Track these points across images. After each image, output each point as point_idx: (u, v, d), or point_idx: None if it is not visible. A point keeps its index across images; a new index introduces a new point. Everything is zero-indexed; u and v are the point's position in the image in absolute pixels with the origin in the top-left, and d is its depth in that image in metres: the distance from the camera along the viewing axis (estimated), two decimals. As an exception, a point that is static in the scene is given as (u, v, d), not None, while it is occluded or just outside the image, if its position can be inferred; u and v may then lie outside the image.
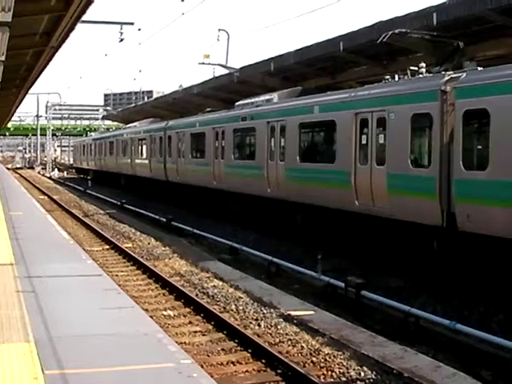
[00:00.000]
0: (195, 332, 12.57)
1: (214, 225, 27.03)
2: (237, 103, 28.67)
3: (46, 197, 44.66)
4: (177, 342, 10.10)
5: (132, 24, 33.51)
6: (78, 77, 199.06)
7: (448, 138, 15.15)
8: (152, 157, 40.09)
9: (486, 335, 11.73)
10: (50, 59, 18.78)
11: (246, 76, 31.72)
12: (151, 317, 12.14)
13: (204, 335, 12.36)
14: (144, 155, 42.27)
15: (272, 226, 24.21)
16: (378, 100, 17.65)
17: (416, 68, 17.47)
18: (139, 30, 50.44)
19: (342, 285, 15.37)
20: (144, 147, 42.36)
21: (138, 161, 43.88)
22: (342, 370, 10.19)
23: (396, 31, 18.43)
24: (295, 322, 13.03)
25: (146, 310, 13.22)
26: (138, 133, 44.76)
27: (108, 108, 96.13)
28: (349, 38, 22.68)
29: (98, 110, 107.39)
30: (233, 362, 10.72)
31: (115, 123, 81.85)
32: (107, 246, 23.06)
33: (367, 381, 9.81)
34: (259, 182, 24.17)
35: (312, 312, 14.16)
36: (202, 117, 32.82)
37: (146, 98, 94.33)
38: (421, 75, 17.09)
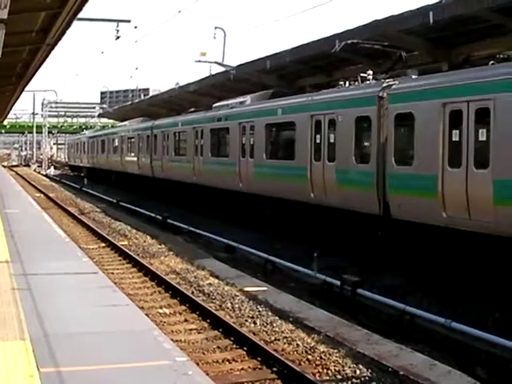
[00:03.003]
0: (191, 330, 12.56)
1: (209, 223, 27.02)
2: (214, 105, 31.17)
3: (41, 194, 44.58)
4: (172, 340, 10.09)
5: (128, 21, 33.48)
6: (75, 74, 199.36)
7: (383, 137, 17.24)
8: (140, 154, 42.22)
9: (482, 333, 11.76)
10: (47, 56, 18.76)
11: (242, 74, 31.75)
12: (147, 314, 12.12)
13: (200, 333, 12.35)
14: (133, 153, 44.35)
15: (244, 219, 26.25)
16: (330, 104, 19.84)
17: (365, 75, 19.69)
18: (136, 27, 50.14)
19: (338, 283, 15.40)
20: (133, 145, 44.51)
21: (127, 158, 45.92)
22: (337, 368, 10.19)
23: (348, 42, 20.55)
24: (291, 319, 13.04)
25: (142, 308, 13.19)
26: (127, 131, 46.94)
27: (104, 106, 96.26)
28: (345, 37, 22.67)
29: (94, 108, 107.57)
30: (228, 360, 10.71)
31: (111, 121, 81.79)
32: (103, 244, 23.03)
33: (363, 379, 9.81)
34: (232, 177, 26.26)
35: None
36: (184, 117, 35.60)
37: (142, 95, 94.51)
38: (367, 82, 19.38)
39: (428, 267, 15.88)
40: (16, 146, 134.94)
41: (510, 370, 10.95)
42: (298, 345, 11.34)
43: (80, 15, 13.54)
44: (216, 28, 42.55)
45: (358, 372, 10.02)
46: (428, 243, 15.97)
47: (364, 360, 10.59)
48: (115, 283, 14.47)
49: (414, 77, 17.41)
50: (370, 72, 19.73)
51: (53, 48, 16.93)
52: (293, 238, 21.90)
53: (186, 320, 13.27)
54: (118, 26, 32.46)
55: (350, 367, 10.20)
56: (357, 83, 19.87)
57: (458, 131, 14.78)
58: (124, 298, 11.49)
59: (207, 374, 8.86)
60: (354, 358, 10.60)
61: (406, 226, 16.45)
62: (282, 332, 12.13)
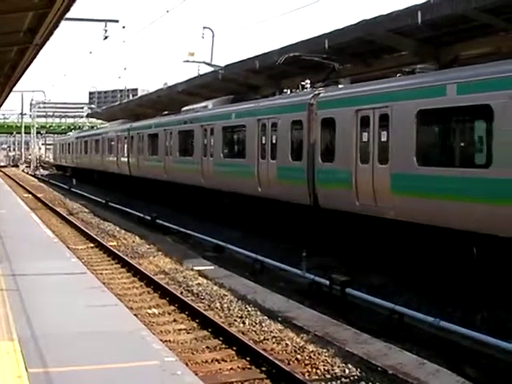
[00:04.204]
0: (180, 330, 12.55)
1: (198, 223, 27.01)
2: (183, 108, 33.95)
3: (30, 195, 44.45)
4: (161, 340, 10.10)
5: (116, 21, 33.52)
6: (63, 74, 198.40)
7: (313, 138, 19.95)
8: (119, 154, 45.22)
9: (470, 332, 11.78)
10: (35, 57, 18.67)
11: (230, 74, 31.72)
12: (135, 315, 12.12)
13: (189, 333, 12.34)
14: (112, 153, 47.21)
15: (208, 213, 28.85)
16: (272, 109, 22.78)
17: (304, 83, 22.58)
18: (124, 27, 50.42)
19: (327, 282, 15.41)
20: (112, 146, 47.36)
21: (107, 158, 48.83)
22: (326, 368, 10.20)
23: (291, 55, 23.49)
24: (280, 319, 13.05)
25: (131, 308, 13.17)
26: (107, 133, 50.13)
27: (93, 106, 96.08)
28: (334, 37, 22.72)
29: (82, 108, 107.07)
30: (217, 360, 10.70)
31: (100, 121, 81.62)
32: (92, 244, 22.97)
33: (352, 378, 9.83)
34: (196, 174, 29.20)
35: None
36: (156, 120, 38.50)
37: (130, 95, 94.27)
38: (305, 90, 22.23)
39: (415, 266, 15.94)
40: (4, 146, 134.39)
41: (498, 369, 10.99)
42: (287, 344, 11.34)
43: (68, 15, 13.47)
44: (204, 28, 42.72)
45: (347, 371, 10.03)
46: (349, 229, 18.64)
47: (353, 359, 10.61)
48: (104, 283, 14.45)
49: (340, 86, 20.67)
50: (308, 81, 22.64)
51: (41, 48, 16.85)
52: (281, 237, 21.94)
53: (174, 320, 13.25)
54: (106, 26, 32.50)
55: (339, 366, 10.20)
56: (298, 91, 22.79)
57: (367, 133, 17.54)
58: (113, 299, 11.49)
59: (196, 374, 8.87)
60: (343, 358, 10.62)
61: (331, 214, 19.19)
62: (271, 332, 12.13)
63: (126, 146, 43.03)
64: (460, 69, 16.26)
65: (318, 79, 23.55)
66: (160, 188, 35.79)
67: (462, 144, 15.59)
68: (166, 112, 37.91)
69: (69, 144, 68.50)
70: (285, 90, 23.97)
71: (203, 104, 31.08)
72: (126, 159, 42.83)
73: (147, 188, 38.73)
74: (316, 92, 20.46)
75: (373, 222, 17.36)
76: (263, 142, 23.03)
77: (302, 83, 22.65)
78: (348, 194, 17.95)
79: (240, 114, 25.42)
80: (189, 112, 32.28)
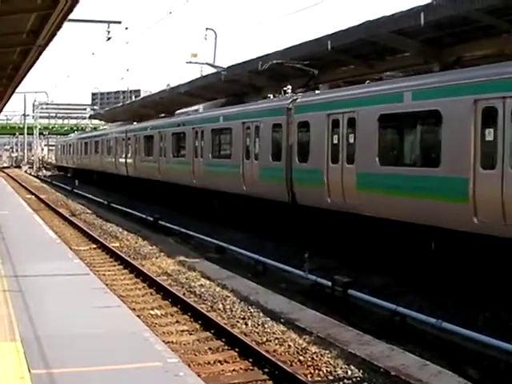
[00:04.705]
0: (182, 331, 12.55)
1: (200, 224, 27.00)
2: (176, 112, 36.06)
3: (33, 196, 44.48)
4: (164, 341, 10.10)
5: (119, 23, 33.35)
6: (66, 76, 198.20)
7: (291, 140, 21.48)
8: (117, 155, 46.61)
9: (473, 333, 11.77)
10: (37, 58, 18.66)
11: (233, 75, 31.71)
12: (138, 316, 12.12)
13: (191, 334, 12.34)
14: (111, 154, 48.72)
15: (197, 211, 30.39)
16: (255, 113, 24.50)
17: (285, 89, 24.28)
18: (126, 28, 50.07)
19: (329, 283, 15.40)
20: (111, 147, 48.95)
21: (106, 159, 50.37)
22: (329, 369, 10.19)
23: (274, 61, 25.17)
24: (282, 320, 13.04)
25: (133, 310, 13.19)
26: (106, 135, 51.96)
27: (95, 107, 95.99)
28: (337, 38, 22.71)
29: (85, 109, 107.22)
30: (220, 361, 10.71)
31: (102, 122, 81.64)
32: (94, 246, 22.99)
33: (354, 379, 9.81)
34: (188, 174, 30.62)
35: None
36: (152, 122, 40.34)
37: (133, 97, 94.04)
38: (286, 95, 23.78)
39: (417, 267, 15.94)
40: (7, 147, 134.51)
41: (500, 370, 10.98)
42: (289, 346, 11.34)
43: (71, 16, 13.47)
44: (207, 29, 42.57)
45: (349, 372, 10.02)
46: (323, 224, 20.12)
47: (355, 360, 10.60)
48: (107, 285, 14.47)
49: (317, 92, 21.93)
50: (289, 87, 24.38)
51: (44, 49, 16.84)
52: (283, 238, 21.95)
53: (177, 321, 13.26)
54: (108, 27, 32.38)
55: (341, 368, 10.20)
56: (281, 96, 24.22)
57: (337, 136, 18.94)
58: (115, 300, 11.50)
59: (199, 376, 8.88)
60: (346, 359, 10.61)
61: (307, 210, 20.73)
62: (274, 333, 12.13)
63: (123, 147, 44.67)
64: (415, 77, 17.36)
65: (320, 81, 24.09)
66: (155, 188, 37.30)
67: (417, 146, 16.76)
68: (162, 115, 39.63)
69: (70, 145, 70.32)
70: (269, 95, 25.56)
71: (195, 107, 32.85)
72: (123, 160, 44.37)
73: (143, 188, 40.16)
74: (294, 97, 22.10)
75: (343, 218, 18.81)
76: (247, 143, 24.71)
77: (284, 88, 24.33)
78: (321, 192, 19.41)
79: (227, 117, 27.11)
80: (182, 115, 34.15)
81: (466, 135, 14.18)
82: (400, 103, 16.36)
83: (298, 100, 21.66)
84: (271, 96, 25.15)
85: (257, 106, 25.01)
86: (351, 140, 18.27)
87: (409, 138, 17.30)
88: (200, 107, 31.96)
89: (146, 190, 39.58)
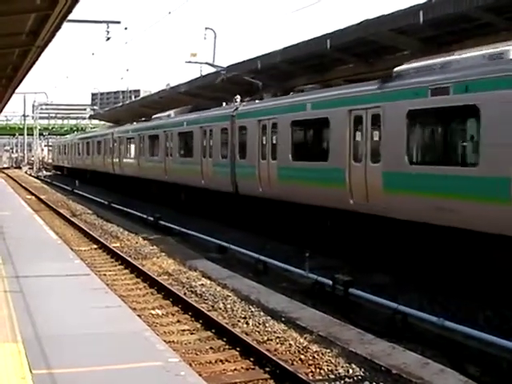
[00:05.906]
0: (183, 331, 12.55)
1: (201, 223, 27.01)
2: (153, 116, 40.79)
3: (33, 196, 44.48)
4: (165, 341, 10.10)
5: (119, 23, 33.49)
6: (65, 76, 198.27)
7: (235, 141, 26.18)
8: (105, 155, 51.17)
9: (474, 331, 11.76)
10: (37, 58, 18.64)
11: (233, 74, 31.71)
12: (139, 316, 12.12)
13: (192, 334, 12.34)
14: (100, 154, 53.29)
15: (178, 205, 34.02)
16: (209, 119, 29.41)
17: (235, 98, 28.74)
18: (126, 28, 50.62)
19: (330, 282, 15.39)
20: (100, 148, 53.33)
21: (96, 159, 55.05)
22: (330, 368, 10.19)
23: (229, 75, 30.68)
24: (283, 319, 13.04)
25: (134, 309, 13.19)
26: (96, 136, 56.71)
27: (95, 107, 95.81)
28: (336, 36, 22.73)
29: (85, 110, 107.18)
30: (221, 361, 10.70)
31: (102, 122, 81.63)
32: (95, 246, 22.98)
33: (356, 378, 9.81)
34: (161, 171, 35.64)
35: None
36: (132, 126, 45.50)
37: (133, 97, 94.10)
38: (235, 103, 28.20)
39: (418, 265, 15.94)
40: (7, 148, 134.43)
41: (502, 368, 10.98)
42: (290, 345, 11.34)
43: (70, 17, 13.46)
44: (206, 29, 42.62)
45: (350, 371, 10.02)
46: (260, 210, 24.56)
47: (357, 359, 10.60)
48: (107, 285, 14.46)
49: (257, 101, 26.34)
50: (238, 96, 28.72)
51: (43, 50, 16.82)
52: (284, 237, 21.97)
53: (178, 321, 13.26)
54: (108, 27, 32.48)
55: (342, 367, 10.20)
56: (232, 104, 28.63)
57: (265, 137, 23.54)
58: (116, 300, 11.49)
59: (200, 375, 8.88)
60: (347, 358, 10.61)
61: (246, 198, 25.42)
62: (275, 332, 12.13)
63: (110, 147, 49.28)
64: (314, 92, 21.47)
65: (318, 79, 26.06)
66: (135, 183, 42.66)
67: (314, 145, 21.53)
68: (143, 118, 44.43)
69: (65, 146, 75.24)
70: (223, 103, 30.48)
71: (167, 113, 37.71)
72: (110, 159, 49.04)
73: (127, 184, 45.24)
74: (237, 106, 27.08)
75: (272, 204, 23.35)
76: (204, 144, 29.56)
77: (235, 97, 28.80)
78: (255, 183, 24.13)
79: (189, 122, 32.09)
80: (156, 119, 39.32)
81: (344, 136, 18.47)
82: (304, 111, 20.99)
83: (239, 109, 26.59)
84: (224, 104, 30.29)
85: (211, 113, 29.94)
86: (274, 141, 22.90)
87: (309, 139, 22.14)
88: (171, 113, 36.82)
89: (129, 185, 44.56)
